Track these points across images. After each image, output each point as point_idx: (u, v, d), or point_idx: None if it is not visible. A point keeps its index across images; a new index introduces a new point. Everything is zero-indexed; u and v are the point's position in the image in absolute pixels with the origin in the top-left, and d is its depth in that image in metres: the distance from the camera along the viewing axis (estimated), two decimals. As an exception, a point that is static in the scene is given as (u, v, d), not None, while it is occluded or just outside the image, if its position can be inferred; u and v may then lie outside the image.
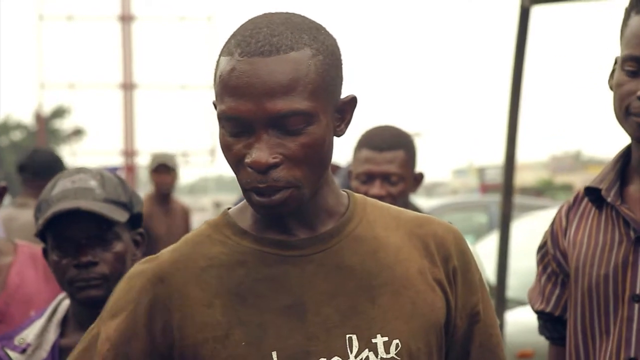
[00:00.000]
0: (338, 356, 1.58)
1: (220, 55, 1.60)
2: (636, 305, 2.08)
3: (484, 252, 5.56)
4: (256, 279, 1.60)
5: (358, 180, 3.08)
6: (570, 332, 2.19)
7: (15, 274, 2.86)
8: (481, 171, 42.80)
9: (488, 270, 5.05)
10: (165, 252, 1.67)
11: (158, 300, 1.62)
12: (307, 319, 1.59)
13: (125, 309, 1.63)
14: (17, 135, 48.75)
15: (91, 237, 2.26)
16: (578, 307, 2.17)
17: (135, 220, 2.36)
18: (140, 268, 1.66)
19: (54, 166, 4.90)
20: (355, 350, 1.59)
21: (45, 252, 2.33)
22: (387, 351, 1.60)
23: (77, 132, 45.92)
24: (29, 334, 2.30)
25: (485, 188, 33.70)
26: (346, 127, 1.65)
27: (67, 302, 2.37)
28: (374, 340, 1.60)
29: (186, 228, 7.40)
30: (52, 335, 2.30)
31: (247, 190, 1.57)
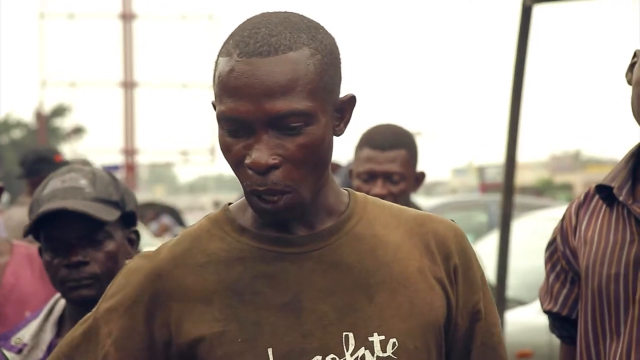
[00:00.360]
0: (334, 354, 1.58)
1: (218, 56, 1.60)
2: None
3: (484, 252, 5.55)
4: (254, 275, 1.61)
5: (360, 179, 3.07)
6: (581, 332, 2.17)
7: (10, 273, 2.86)
8: (481, 170, 42.80)
9: (488, 269, 5.04)
10: (165, 247, 1.67)
11: (156, 296, 1.62)
12: (304, 316, 1.59)
13: (123, 304, 1.63)
14: (17, 134, 48.75)
15: (81, 237, 2.25)
16: (589, 307, 2.15)
17: (129, 219, 2.35)
18: (139, 263, 1.66)
19: (43, 164, 4.91)
20: (351, 348, 1.59)
21: (40, 252, 2.33)
22: (384, 350, 1.60)
23: (78, 131, 45.91)
24: (26, 334, 2.30)
25: (484, 187, 33.70)
26: (345, 126, 1.65)
27: (63, 302, 2.37)
28: (370, 339, 1.60)
29: None
30: (48, 335, 2.30)
31: (250, 193, 1.58)
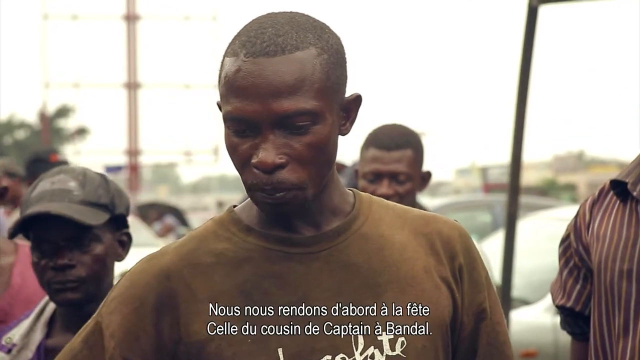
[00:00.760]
0: (343, 353, 1.59)
1: (224, 56, 1.60)
2: None
3: (488, 252, 5.55)
4: (262, 275, 1.61)
5: (365, 180, 3.07)
6: (595, 328, 2.17)
7: (17, 274, 2.86)
8: (484, 171, 42.75)
9: (493, 269, 5.04)
10: (169, 248, 1.67)
11: (165, 297, 1.62)
12: (312, 316, 1.59)
13: (129, 306, 1.63)
14: (21, 135, 48.84)
15: (68, 239, 2.23)
16: (602, 303, 2.15)
17: (120, 221, 2.33)
18: (143, 266, 1.66)
19: (39, 165, 4.98)
20: (360, 347, 1.59)
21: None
22: (393, 348, 1.60)
23: (81, 131, 45.97)
24: (16, 334, 2.29)
25: (488, 187, 33.65)
26: (351, 125, 1.65)
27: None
28: (379, 338, 1.60)
29: None
30: (38, 336, 2.28)
31: (252, 189, 1.58)
